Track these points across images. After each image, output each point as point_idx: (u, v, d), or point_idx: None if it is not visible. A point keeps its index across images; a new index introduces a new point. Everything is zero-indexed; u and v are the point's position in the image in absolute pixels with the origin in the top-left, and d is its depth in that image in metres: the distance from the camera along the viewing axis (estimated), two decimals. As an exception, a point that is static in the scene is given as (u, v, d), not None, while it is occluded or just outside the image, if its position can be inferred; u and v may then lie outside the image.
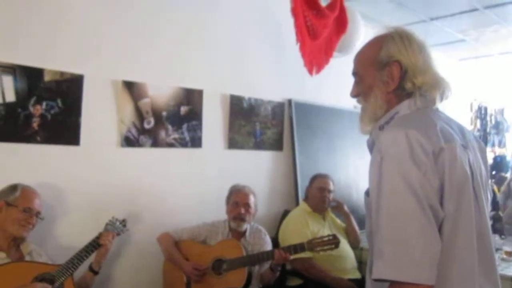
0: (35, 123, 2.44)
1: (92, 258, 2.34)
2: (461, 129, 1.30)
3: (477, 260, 1.19)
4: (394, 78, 1.29)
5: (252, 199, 2.93)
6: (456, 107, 6.03)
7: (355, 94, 1.42)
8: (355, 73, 1.42)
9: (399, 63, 1.29)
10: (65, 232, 2.56)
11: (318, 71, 3.25)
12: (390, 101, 1.32)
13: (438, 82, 1.30)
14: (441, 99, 1.31)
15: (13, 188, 2.18)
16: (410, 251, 1.10)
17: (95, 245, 2.32)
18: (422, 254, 1.10)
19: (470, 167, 1.22)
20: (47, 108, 2.48)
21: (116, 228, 2.49)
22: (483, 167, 1.30)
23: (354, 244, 3.32)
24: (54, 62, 2.51)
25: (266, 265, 2.77)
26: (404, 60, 1.28)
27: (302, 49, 3.02)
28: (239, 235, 2.89)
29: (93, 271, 2.34)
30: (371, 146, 1.35)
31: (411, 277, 1.09)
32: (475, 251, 1.18)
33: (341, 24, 3.21)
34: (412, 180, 1.12)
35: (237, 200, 2.90)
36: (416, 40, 1.32)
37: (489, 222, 1.28)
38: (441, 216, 1.14)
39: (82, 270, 2.31)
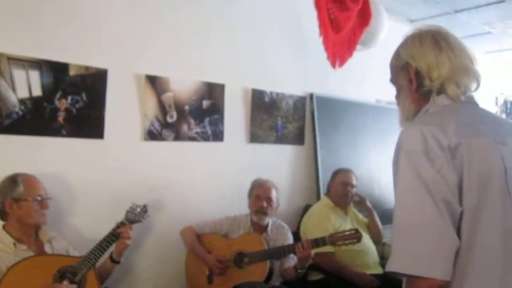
0: (60, 117, 2.48)
1: (112, 247, 2.35)
2: (500, 124, 1.31)
3: (503, 260, 1.15)
4: (411, 79, 1.33)
5: (274, 193, 2.93)
6: (481, 101, 5.89)
7: (395, 96, 1.47)
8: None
9: (410, 65, 1.33)
10: (88, 224, 2.59)
11: (341, 64, 3.23)
12: (417, 101, 1.35)
13: (455, 73, 1.28)
14: (461, 91, 1.29)
15: (13, 182, 2.14)
16: (421, 245, 1.10)
17: (116, 234, 2.31)
18: (434, 248, 1.10)
19: (504, 162, 1.19)
20: (72, 102, 2.52)
21: (137, 215, 2.46)
22: None
23: (376, 239, 3.30)
24: (79, 57, 2.54)
25: (290, 262, 2.76)
26: (413, 61, 1.32)
27: (325, 42, 3.00)
28: (261, 229, 2.89)
29: (114, 261, 2.35)
30: None
31: (422, 271, 1.09)
32: (501, 250, 1.15)
33: (364, 16, 3.17)
34: (425, 175, 1.12)
35: (259, 193, 2.90)
36: (431, 36, 1.33)
37: None
38: (458, 212, 1.13)
39: (102, 258, 2.32)
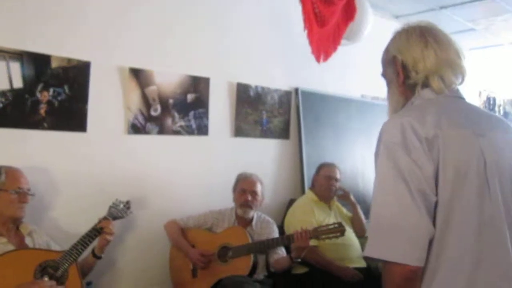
0: (42, 110, 2.45)
1: (95, 242, 2.33)
2: (482, 117, 1.36)
3: (477, 251, 1.18)
4: (399, 71, 1.38)
5: (259, 187, 2.93)
6: (465, 97, 5.95)
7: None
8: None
9: (397, 58, 1.38)
10: (70, 217, 2.56)
11: (325, 59, 3.23)
12: (405, 93, 1.40)
13: (439, 68, 1.33)
14: (445, 85, 1.33)
15: None
16: (395, 232, 1.15)
17: (98, 229, 2.30)
18: (408, 235, 1.14)
19: (483, 154, 1.23)
20: (54, 94, 2.49)
21: (120, 211, 2.46)
22: (508, 156, 1.31)
23: (360, 233, 3.31)
24: (61, 48, 2.51)
25: (280, 253, 2.78)
26: (400, 54, 1.37)
27: (310, 36, 3.00)
28: (246, 223, 2.90)
29: (96, 256, 2.33)
30: None
31: (396, 257, 1.14)
32: (475, 241, 1.19)
33: (349, 11, 3.17)
34: (401, 165, 1.17)
35: (244, 187, 2.90)
36: (418, 31, 1.38)
37: (508, 212, 1.25)
38: (433, 201, 1.17)
39: (84, 253, 2.29)
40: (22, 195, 2.15)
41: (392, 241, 1.15)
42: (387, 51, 1.45)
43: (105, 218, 2.36)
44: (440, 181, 1.18)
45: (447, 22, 4.79)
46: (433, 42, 1.34)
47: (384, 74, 1.49)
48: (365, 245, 1.22)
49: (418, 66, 1.33)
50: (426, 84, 1.34)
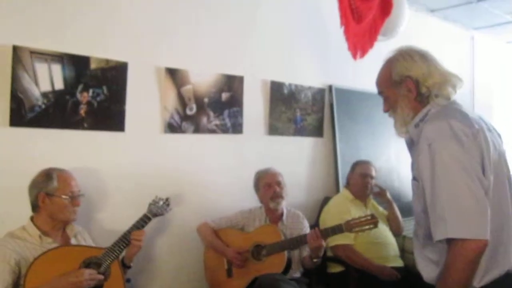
0: (82, 110, 2.50)
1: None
2: (481, 117, 1.60)
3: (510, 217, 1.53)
4: (412, 89, 1.61)
5: (281, 177, 2.95)
6: (503, 91, 5.82)
7: (386, 110, 1.76)
8: (380, 93, 1.75)
9: (410, 77, 1.60)
10: (110, 215, 2.62)
11: (362, 55, 3.18)
12: (415, 107, 1.63)
13: (446, 78, 1.59)
14: (455, 91, 1.60)
15: (48, 176, 2.15)
16: (468, 213, 1.37)
17: (140, 227, 2.33)
18: (478, 215, 1.37)
19: (494, 144, 1.52)
20: (94, 95, 2.53)
21: (160, 208, 2.49)
22: (502, 147, 1.62)
23: (397, 231, 3.27)
24: (100, 50, 2.55)
25: (307, 250, 2.76)
26: (412, 73, 1.60)
27: (346, 32, 2.96)
28: (277, 218, 2.90)
29: (125, 266, 2.34)
30: (410, 143, 1.70)
31: (471, 233, 1.36)
32: (510, 209, 1.52)
33: (385, 6, 3.11)
34: (459, 157, 1.39)
35: (268, 181, 2.91)
36: (416, 52, 1.64)
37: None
38: (486, 185, 1.41)
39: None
40: (75, 199, 2.19)
41: (469, 221, 1.37)
42: (390, 73, 1.64)
43: (145, 216, 2.39)
44: (486, 167, 1.43)
45: (484, 15, 4.66)
46: (431, 59, 1.62)
47: (386, 95, 1.70)
48: (438, 230, 1.41)
49: (428, 81, 1.57)
50: (436, 94, 1.58)
